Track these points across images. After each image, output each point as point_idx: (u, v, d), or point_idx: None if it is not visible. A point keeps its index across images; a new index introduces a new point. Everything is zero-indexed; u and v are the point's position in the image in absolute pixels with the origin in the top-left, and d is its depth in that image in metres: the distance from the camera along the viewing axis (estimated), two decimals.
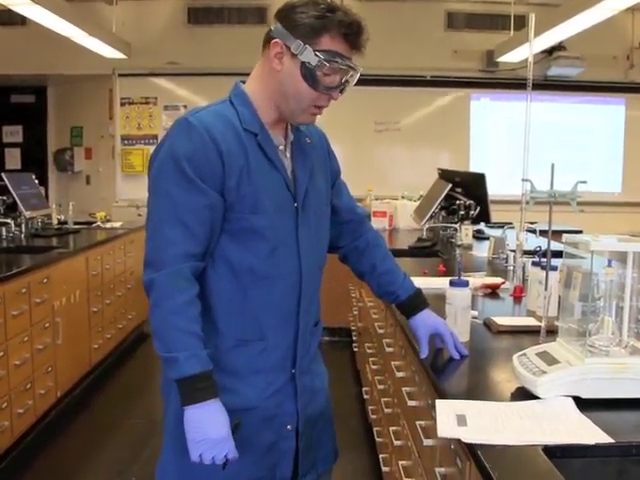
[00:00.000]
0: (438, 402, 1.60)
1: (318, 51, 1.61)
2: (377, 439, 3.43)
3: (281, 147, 1.76)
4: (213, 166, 1.60)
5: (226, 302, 1.70)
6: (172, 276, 1.58)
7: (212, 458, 1.59)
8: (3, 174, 4.97)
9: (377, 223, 5.38)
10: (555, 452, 1.33)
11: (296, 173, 1.76)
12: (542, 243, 2.78)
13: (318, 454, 1.92)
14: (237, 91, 1.74)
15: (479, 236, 4.85)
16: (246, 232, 1.66)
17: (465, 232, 4.47)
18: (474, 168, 7.40)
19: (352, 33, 1.63)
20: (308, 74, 1.63)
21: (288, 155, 1.78)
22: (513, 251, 3.32)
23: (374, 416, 3.61)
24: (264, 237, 1.67)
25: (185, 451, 1.63)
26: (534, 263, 2.62)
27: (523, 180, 2.59)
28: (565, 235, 1.75)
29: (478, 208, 4.51)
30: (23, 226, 5.05)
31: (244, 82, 1.76)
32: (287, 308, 1.75)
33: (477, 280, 3.01)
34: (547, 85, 7.53)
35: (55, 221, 5.63)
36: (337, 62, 1.63)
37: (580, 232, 4.24)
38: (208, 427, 1.57)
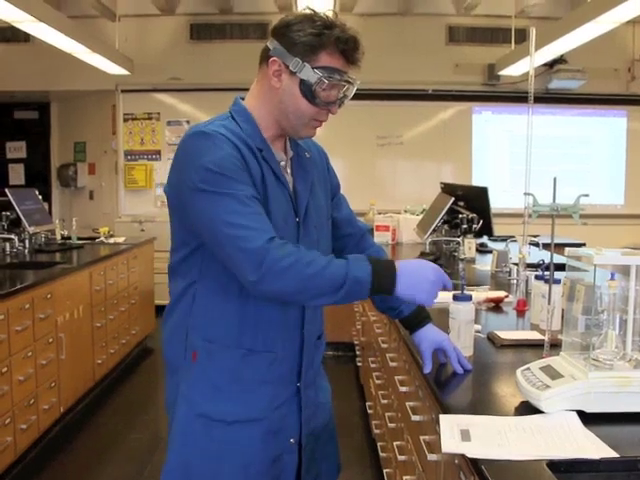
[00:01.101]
0: (442, 417, 1.59)
1: (316, 68, 1.63)
2: (381, 454, 3.42)
3: (282, 162, 1.77)
4: (243, 168, 1.60)
5: (236, 313, 1.70)
6: (279, 248, 1.53)
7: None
8: (7, 190, 4.98)
9: (380, 237, 5.38)
10: (559, 467, 1.32)
11: (297, 188, 1.77)
12: (545, 256, 2.78)
13: (321, 468, 1.92)
14: (238, 107, 1.74)
15: (482, 250, 4.85)
16: None
17: (468, 246, 4.46)
18: (476, 181, 7.42)
19: (349, 49, 1.64)
20: (307, 91, 1.65)
21: (289, 170, 1.79)
22: (516, 264, 3.32)
23: (378, 431, 3.59)
24: None
25: (189, 466, 1.63)
26: (537, 276, 2.62)
27: (525, 193, 2.59)
28: (568, 248, 1.75)
29: (481, 221, 4.51)
30: (27, 241, 5.05)
31: (243, 98, 1.77)
32: (292, 320, 1.76)
33: (480, 294, 3.00)
34: (548, 98, 7.56)
35: (58, 236, 5.63)
36: (336, 78, 1.65)
37: (583, 245, 4.25)
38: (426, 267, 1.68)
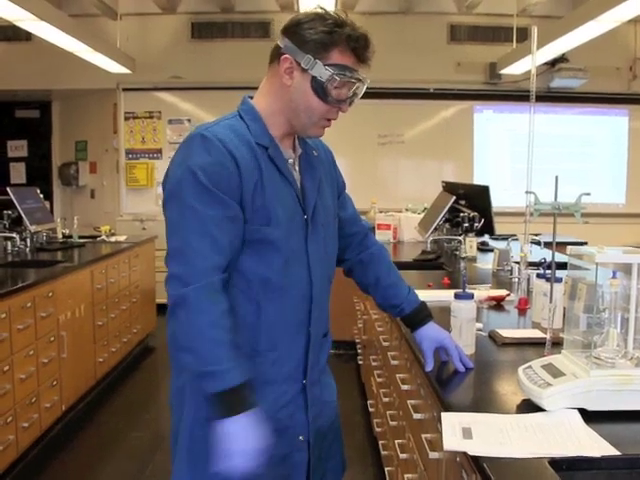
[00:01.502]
0: (444, 415, 1.60)
1: (328, 65, 1.63)
2: (383, 452, 3.42)
3: (290, 160, 1.77)
4: (231, 178, 1.61)
5: (239, 313, 1.69)
6: (205, 290, 1.56)
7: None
8: (8, 188, 4.98)
9: (381, 236, 5.38)
10: (561, 465, 1.32)
11: (305, 186, 1.78)
12: (546, 255, 2.78)
13: (328, 465, 1.93)
14: (246, 106, 1.75)
15: (483, 248, 4.85)
16: (260, 244, 1.67)
17: (469, 244, 4.47)
18: (478, 180, 7.42)
19: (360, 47, 1.65)
20: (319, 88, 1.65)
21: (297, 168, 1.79)
22: (517, 263, 3.32)
23: (379, 429, 3.59)
24: (278, 249, 1.68)
25: (200, 465, 1.63)
26: (539, 275, 2.62)
27: (527, 192, 2.59)
28: (570, 247, 1.75)
29: (482, 220, 4.51)
30: (28, 240, 5.06)
31: (252, 97, 1.78)
32: (298, 319, 1.76)
33: (482, 292, 3.00)
34: (550, 97, 7.55)
35: (60, 235, 5.64)
36: (347, 75, 1.65)
37: (585, 243, 4.24)
38: (249, 438, 1.55)
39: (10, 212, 4.94)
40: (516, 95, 7.47)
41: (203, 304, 1.56)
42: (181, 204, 1.61)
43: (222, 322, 1.57)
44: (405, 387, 2.50)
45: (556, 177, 2.09)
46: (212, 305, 1.57)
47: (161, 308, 5.71)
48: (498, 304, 2.93)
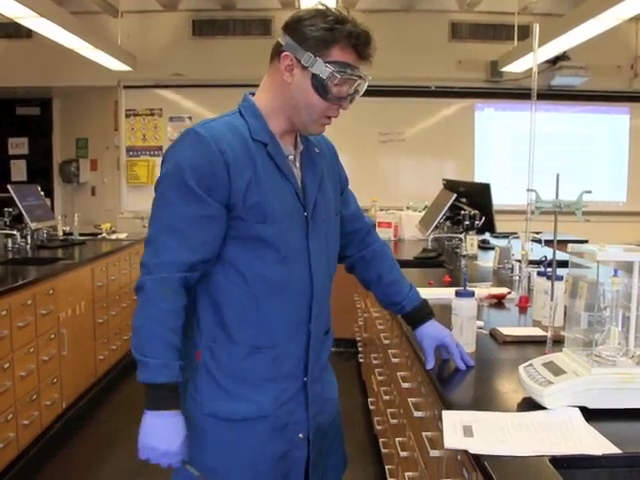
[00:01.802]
0: (444, 413, 1.60)
1: (328, 62, 1.63)
2: (383, 450, 3.42)
3: (291, 157, 1.77)
4: (218, 177, 1.61)
5: (238, 310, 1.70)
6: (160, 283, 1.61)
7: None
8: (9, 186, 4.98)
9: (382, 234, 5.32)
10: (562, 463, 1.32)
11: (306, 182, 1.77)
12: (547, 253, 2.78)
13: (328, 463, 1.93)
14: (247, 103, 1.75)
15: (484, 246, 4.85)
16: (255, 241, 1.67)
17: (470, 242, 4.47)
18: (479, 178, 7.40)
19: (361, 44, 1.65)
20: (319, 85, 1.65)
21: (298, 165, 1.79)
22: (518, 261, 3.32)
23: (380, 427, 3.60)
24: (273, 246, 1.68)
25: (199, 458, 1.66)
26: (540, 273, 2.62)
27: (528, 190, 2.58)
28: (571, 245, 1.75)
29: (483, 218, 4.51)
30: (29, 237, 5.06)
31: (253, 94, 1.77)
32: (299, 316, 1.76)
33: (483, 290, 3.00)
34: (551, 95, 7.53)
35: (61, 232, 5.64)
36: (348, 73, 1.65)
37: (586, 242, 4.23)
38: (161, 437, 1.63)
39: (11, 209, 4.94)
40: (517, 93, 7.45)
41: (154, 296, 1.61)
42: (162, 197, 1.65)
43: (165, 318, 1.61)
44: (406, 385, 2.50)
45: (557, 175, 2.09)
46: (161, 300, 1.60)
47: None
48: (499, 302, 2.93)
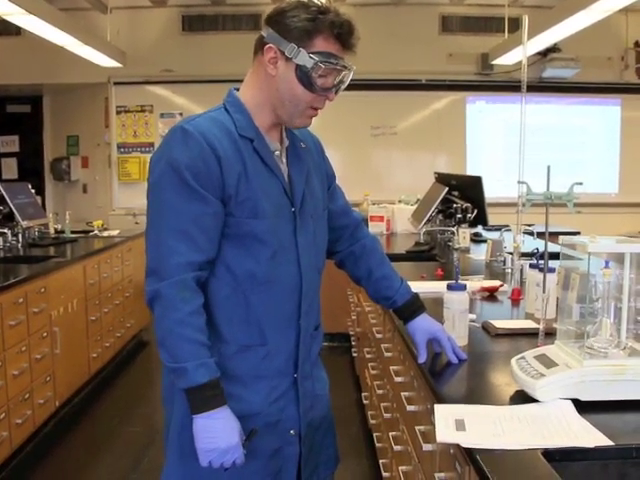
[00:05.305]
0: (437, 407, 1.59)
1: (312, 53, 1.62)
2: (377, 444, 3.42)
3: (277, 152, 1.76)
4: (212, 173, 1.60)
5: (227, 308, 1.69)
6: (177, 286, 1.58)
7: (221, 464, 1.61)
8: None
9: (374, 228, 5.38)
10: (554, 456, 1.32)
11: (292, 178, 1.76)
12: (539, 245, 2.78)
13: (320, 459, 1.93)
14: (231, 98, 1.74)
15: (476, 239, 4.85)
16: (246, 237, 1.66)
17: (462, 235, 4.47)
18: (470, 171, 7.41)
19: (344, 33, 1.64)
20: (303, 76, 1.64)
21: (284, 160, 1.78)
22: (510, 254, 3.32)
23: (374, 421, 3.60)
24: (264, 242, 1.67)
25: (191, 458, 1.64)
26: (532, 265, 2.62)
27: (519, 182, 2.58)
28: (562, 237, 1.74)
29: (475, 211, 4.51)
30: (20, 236, 5.04)
31: (238, 89, 1.76)
32: (288, 312, 1.75)
33: (475, 283, 3.00)
34: (542, 87, 7.55)
35: (52, 230, 5.62)
36: (332, 63, 1.64)
37: (578, 233, 4.24)
38: (219, 436, 1.59)
39: (2, 208, 4.91)
40: (508, 85, 7.45)
41: (174, 301, 1.57)
42: (160, 199, 1.62)
43: (190, 320, 1.58)
44: (399, 379, 2.50)
45: (548, 167, 2.09)
46: (182, 302, 1.57)
47: None
48: (491, 295, 2.93)
